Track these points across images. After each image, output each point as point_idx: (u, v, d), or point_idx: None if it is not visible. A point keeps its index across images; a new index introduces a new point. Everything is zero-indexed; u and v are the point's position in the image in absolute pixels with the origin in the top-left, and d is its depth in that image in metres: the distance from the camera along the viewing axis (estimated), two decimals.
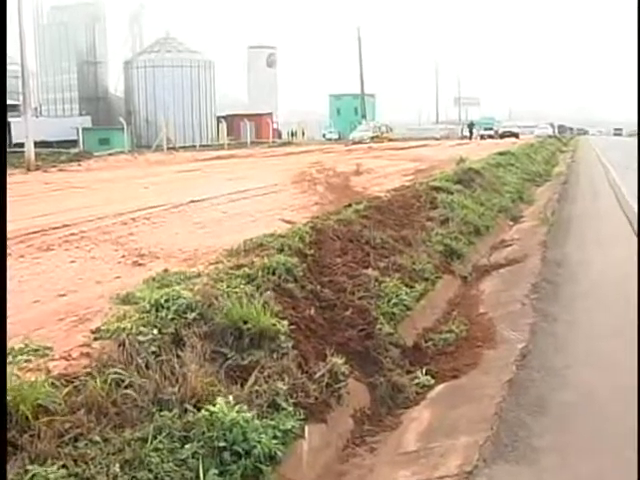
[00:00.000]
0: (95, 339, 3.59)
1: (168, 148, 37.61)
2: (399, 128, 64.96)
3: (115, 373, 3.19)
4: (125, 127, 38.72)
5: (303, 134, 57.37)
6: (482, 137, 51.65)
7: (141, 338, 3.53)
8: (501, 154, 20.37)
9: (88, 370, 3.19)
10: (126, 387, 3.15)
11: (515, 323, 5.52)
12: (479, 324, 5.75)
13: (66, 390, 3.00)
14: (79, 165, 24.19)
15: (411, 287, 6.11)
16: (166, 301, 4.01)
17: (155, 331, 3.65)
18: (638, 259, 6.63)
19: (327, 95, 75.74)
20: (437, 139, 54.99)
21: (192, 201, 10.07)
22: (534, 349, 4.80)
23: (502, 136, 49.99)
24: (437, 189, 10.63)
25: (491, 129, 53.52)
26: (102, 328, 3.69)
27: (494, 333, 5.39)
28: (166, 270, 5.14)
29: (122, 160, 28.31)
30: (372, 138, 49.06)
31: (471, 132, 51.98)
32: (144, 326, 3.67)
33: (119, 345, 3.45)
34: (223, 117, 47.81)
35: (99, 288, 4.84)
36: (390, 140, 50.32)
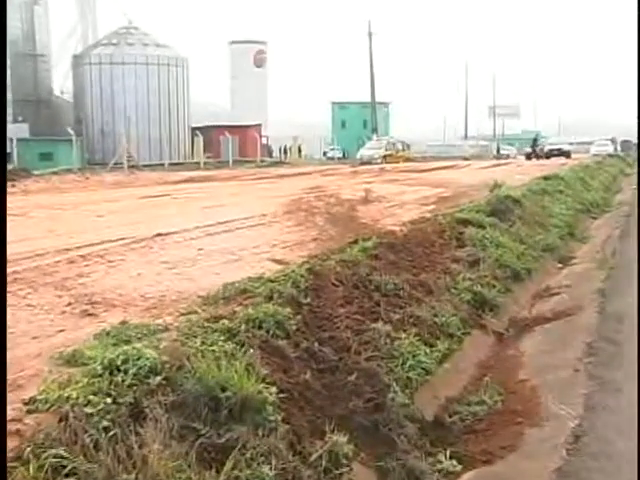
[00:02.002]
0: (29, 412, 3.57)
1: (129, 167, 37.98)
2: (418, 145, 65.63)
3: (54, 456, 3.16)
4: (74, 139, 39.03)
5: (300, 151, 57.98)
6: (528, 156, 52.07)
7: (90, 410, 3.54)
8: (547, 178, 20.60)
9: (18, 453, 3.17)
10: (68, 475, 3.14)
11: (565, 394, 5.52)
12: (518, 394, 5.75)
13: None
14: (13, 186, 24.23)
15: (432, 346, 6.14)
16: (124, 362, 4.03)
17: (108, 400, 3.66)
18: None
19: (329, 103, 76.80)
20: (466, 159, 55.48)
21: (159, 234, 10.11)
22: (591, 429, 4.80)
23: (549, 155, 50.39)
24: (465, 222, 10.74)
25: (536, 146, 53.93)
26: (38, 397, 3.68)
27: (538, 406, 5.39)
28: (124, 322, 5.17)
29: (70, 181, 28.51)
30: (385, 157, 49.57)
31: (534, 150, 51.86)
32: (94, 394, 3.68)
33: (60, 419, 3.44)
34: (199, 129, 48.31)
35: (36, 345, 4.84)
36: (407, 160, 50.83)
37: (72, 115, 45.48)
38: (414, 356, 5.77)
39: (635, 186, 29.55)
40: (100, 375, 3.92)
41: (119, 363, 4.01)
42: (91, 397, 3.64)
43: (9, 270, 7.43)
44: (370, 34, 64.72)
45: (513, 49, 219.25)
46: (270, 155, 58.86)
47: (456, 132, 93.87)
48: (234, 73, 70.74)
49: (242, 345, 4.68)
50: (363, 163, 46.28)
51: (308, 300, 5.92)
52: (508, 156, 63.67)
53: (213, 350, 4.43)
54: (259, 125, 56.68)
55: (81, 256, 8.43)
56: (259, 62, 70.54)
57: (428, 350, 6.01)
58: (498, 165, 39.41)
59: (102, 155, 42.93)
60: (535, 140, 54.74)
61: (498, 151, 66.84)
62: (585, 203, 19.12)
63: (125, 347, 4.24)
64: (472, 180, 22.46)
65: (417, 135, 73.85)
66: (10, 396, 3.84)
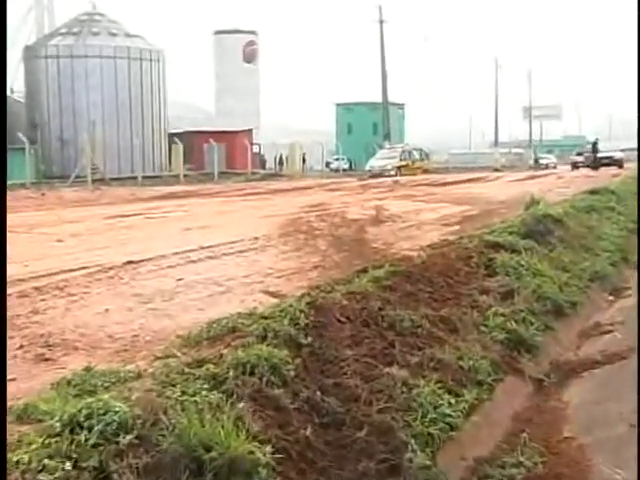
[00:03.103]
0: None
1: (94, 180, 38.13)
2: (439, 153, 65.98)
3: None
4: (27, 148, 39.11)
5: (304, 161, 58.11)
6: (575, 166, 52.13)
7: (45, 477, 3.52)
8: (595, 192, 20.60)
9: None
10: None
11: (620, 455, 5.50)
12: (563, 454, 5.73)
13: None
14: None
15: (457, 395, 6.13)
16: (87, 417, 4.03)
17: (68, 465, 3.65)
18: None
19: (332, 105, 77.24)
20: (497, 170, 55.72)
21: (130, 262, 10.17)
22: None
23: (597, 165, 50.39)
24: (496, 246, 10.76)
25: (596, 152, 53.89)
26: None
27: (587, 470, 5.37)
28: (88, 368, 5.17)
29: (22, 198, 28.58)
30: (399, 169, 49.88)
31: (595, 157, 51.55)
32: (51, 457, 3.66)
33: None
34: (178, 135, 48.65)
35: None
36: (426, 171, 51.14)
37: (24, 119, 45.50)
38: (436, 407, 5.75)
39: None
40: (58, 434, 3.91)
41: (82, 419, 4.01)
42: (47, 461, 3.62)
43: None
44: (381, 22, 65.33)
45: (552, 40, 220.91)
46: (263, 166, 59.21)
47: (484, 138, 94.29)
48: (219, 69, 71.22)
49: (230, 395, 4.68)
50: (373, 176, 46.55)
51: (309, 340, 5.93)
52: (547, 166, 63.89)
53: (195, 401, 4.43)
54: (250, 131, 57.10)
55: (36, 288, 8.46)
56: (249, 56, 71.03)
57: (453, 400, 5.99)
58: (535, 177, 39.56)
59: (61, 167, 43.13)
60: (595, 145, 54.29)
61: (537, 161, 66.96)
62: None
63: (89, 399, 4.24)
64: (504, 195, 22.57)
65: (438, 142, 74.23)
66: None
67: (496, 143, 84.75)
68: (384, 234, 13.72)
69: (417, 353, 6.57)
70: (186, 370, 4.94)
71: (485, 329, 7.77)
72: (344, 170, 60.74)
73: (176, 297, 8.11)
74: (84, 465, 3.70)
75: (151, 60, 48.29)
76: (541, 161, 67.56)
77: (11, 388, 4.97)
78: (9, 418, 4.30)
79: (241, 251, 11.57)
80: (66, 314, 7.29)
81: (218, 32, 72.73)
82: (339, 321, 6.57)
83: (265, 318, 6.12)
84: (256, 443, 4.22)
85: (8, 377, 5.29)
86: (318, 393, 5.32)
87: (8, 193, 31.55)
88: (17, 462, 3.61)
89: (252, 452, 4.13)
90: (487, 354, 7.14)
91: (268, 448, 4.24)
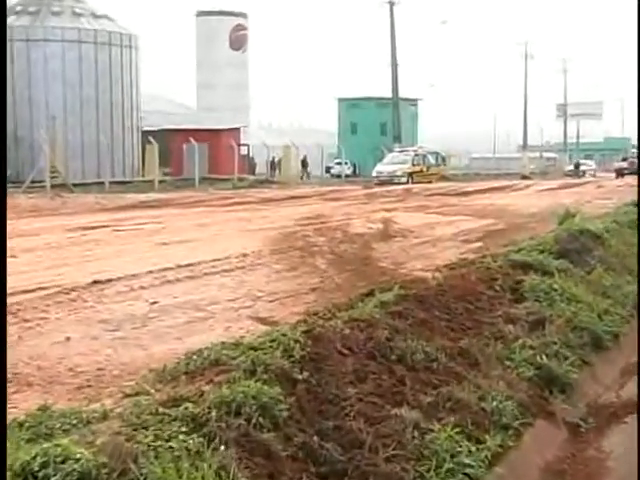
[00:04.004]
0: None
1: (54, 186, 38.09)
2: (459, 157, 65.91)
3: None
4: None
5: (305, 166, 57.94)
6: (619, 173, 52.18)
7: None
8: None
9: None
10: None
11: None
12: None
13: None
14: None
15: (478, 441, 6.11)
16: (43, 466, 4.02)
17: None
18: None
19: (334, 100, 77.27)
20: (526, 177, 55.73)
21: (96, 282, 10.16)
22: None
23: None
24: (524, 267, 10.78)
25: (627, 158, 53.99)
26: None
27: None
28: (45, 407, 5.17)
29: None
30: (411, 175, 49.91)
31: None
32: None
33: None
34: (153, 134, 48.54)
35: None
36: (443, 178, 51.11)
37: None
38: (453, 456, 5.74)
39: None
40: None
41: (36, 467, 4.00)
42: None
43: None
44: (391, 3, 65.61)
45: (592, 24, 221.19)
46: (252, 171, 59.24)
47: (511, 139, 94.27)
48: (202, 57, 71.37)
49: (212, 439, 4.67)
50: (381, 183, 46.62)
51: (305, 375, 5.92)
52: (585, 173, 63.98)
53: (171, 447, 4.42)
54: (237, 130, 57.21)
55: None
56: (237, 42, 71.26)
57: (473, 448, 5.97)
58: (571, 186, 39.61)
59: (15, 170, 42.98)
60: None
61: (577, 166, 66.80)
62: None
63: (46, 444, 4.24)
64: (534, 207, 22.60)
65: (457, 144, 74.25)
66: None
67: (525, 146, 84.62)
68: (393, 251, 13.74)
69: (431, 391, 6.56)
70: (160, 410, 4.93)
71: (511, 364, 7.76)
72: (347, 176, 60.78)
73: (149, 323, 8.10)
74: None
75: (122, 46, 48.25)
76: (572, 167, 67.60)
77: None
78: None
79: (226, 270, 11.57)
80: (19, 344, 7.28)
81: (201, 13, 72.97)
82: (340, 353, 6.57)
83: (254, 349, 6.13)
84: None
85: None
86: (315, 438, 5.31)
87: None
88: None
89: None
90: (513, 393, 7.13)
91: None
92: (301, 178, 60.51)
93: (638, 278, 11.42)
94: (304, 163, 64.34)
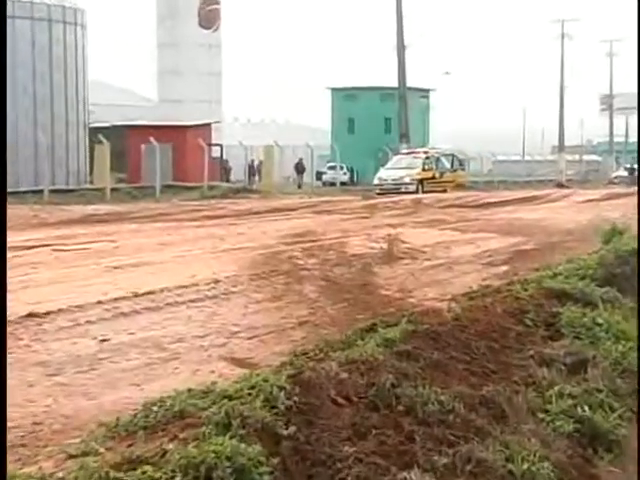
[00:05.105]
0: None
1: None
2: (480, 160, 65.87)
3: None
4: None
5: (300, 171, 57.70)
6: None
7: None
8: None
9: None
10: None
11: None
12: None
13: None
14: None
15: None
16: None
17: None
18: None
19: (326, 91, 77.30)
20: (562, 185, 55.84)
21: (32, 315, 10.11)
22: None
23: None
24: (561, 296, 10.80)
25: None
26: None
27: None
28: None
29: None
30: (422, 182, 49.87)
31: None
32: None
33: None
34: (104, 131, 48.46)
35: None
36: (460, 186, 51.13)
37: None
38: None
39: None
40: None
41: None
42: None
43: None
44: None
45: None
46: (227, 177, 59.21)
47: (544, 139, 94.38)
48: (164, 37, 71.28)
49: None
50: (385, 192, 46.59)
51: (292, 430, 5.90)
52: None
53: None
54: (207, 126, 57.08)
55: None
56: (208, 19, 71.29)
57: None
58: (618, 196, 39.58)
59: None
60: None
61: (632, 171, 66.84)
62: None
63: None
64: (572, 222, 22.63)
65: (478, 144, 74.46)
66: None
67: (561, 147, 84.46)
68: (400, 277, 13.72)
69: (447, 450, 6.53)
70: (112, 474, 4.91)
71: (546, 416, 7.74)
72: (343, 184, 60.89)
73: (99, 366, 8.05)
74: None
75: (65, 22, 48.04)
76: (623, 173, 67.84)
77: None
78: None
79: (194, 300, 11.52)
80: None
81: None
82: (335, 403, 6.55)
83: (228, 398, 6.11)
84: None
85: None
86: None
87: None
88: None
89: None
90: (549, 453, 7.11)
91: None
92: (299, 187, 60.47)
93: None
94: (299, 168, 64.31)
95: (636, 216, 23.08)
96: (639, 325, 9.67)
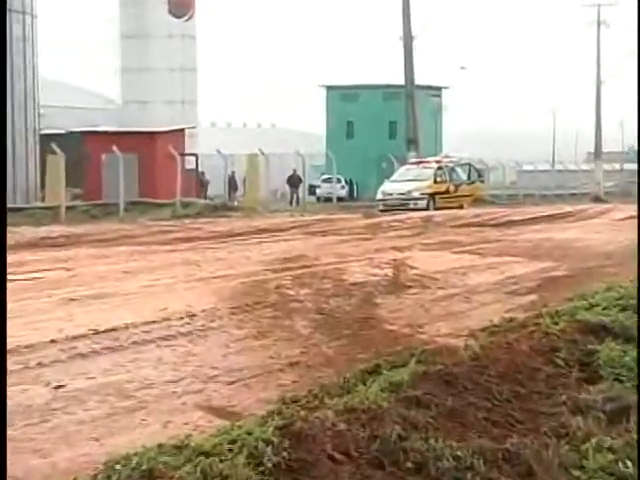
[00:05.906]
0: None
1: None
2: (501, 170, 66.01)
3: None
4: None
5: (295, 185, 57.76)
6: None
7: None
8: None
9: None
10: None
11: None
12: None
13: None
14: None
15: None
16: None
17: None
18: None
19: (320, 89, 77.61)
20: (599, 198, 55.98)
21: None
22: None
23: None
24: (598, 331, 10.80)
25: None
26: None
27: None
28: None
29: None
30: (433, 197, 49.94)
31: None
32: None
33: None
34: (58, 139, 48.54)
35: None
36: (477, 200, 51.22)
37: None
38: None
39: None
40: None
41: None
42: None
43: None
44: None
45: None
46: (204, 192, 59.29)
47: (578, 144, 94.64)
48: (128, 27, 71.15)
49: None
50: (390, 208, 46.70)
51: None
52: None
53: None
54: (180, 132, 57.13)
55: None
56: (180, 7, 71.35)
57: None
58: None
59: None
60: None
61: None
62: None
63: None
64: (611, 244, 22.69)
65: (500, 150, 74.83)
66: None
67: (598, 154, 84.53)
68: (408, 309, 13.76)
69: None
70: None
71: (582, 474, 7.67)
72: (340, 199, 61.07)
73: (52, 418, 8.03)
74: None
75: (11, 11, 48.15)
76: None
77: None
78: None
79: (166, 338, 11.54)
80: None
81: None
82: (332, 459, 6.53)
83: (205, 454, 6.10)
84: None
85: None
86: None
87: None
88: None
89: None
90: None
91: None
92: (290, 203, 60.61)
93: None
94: (292, 181, 64.30)
95: None
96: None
